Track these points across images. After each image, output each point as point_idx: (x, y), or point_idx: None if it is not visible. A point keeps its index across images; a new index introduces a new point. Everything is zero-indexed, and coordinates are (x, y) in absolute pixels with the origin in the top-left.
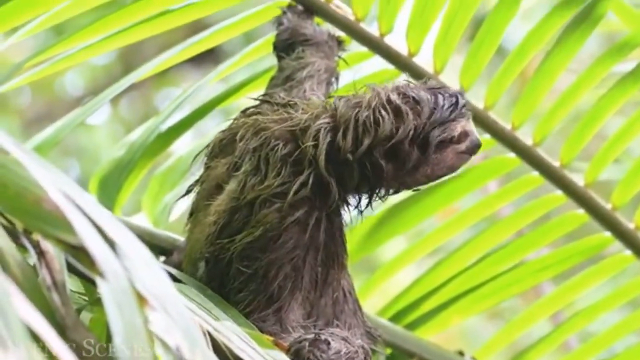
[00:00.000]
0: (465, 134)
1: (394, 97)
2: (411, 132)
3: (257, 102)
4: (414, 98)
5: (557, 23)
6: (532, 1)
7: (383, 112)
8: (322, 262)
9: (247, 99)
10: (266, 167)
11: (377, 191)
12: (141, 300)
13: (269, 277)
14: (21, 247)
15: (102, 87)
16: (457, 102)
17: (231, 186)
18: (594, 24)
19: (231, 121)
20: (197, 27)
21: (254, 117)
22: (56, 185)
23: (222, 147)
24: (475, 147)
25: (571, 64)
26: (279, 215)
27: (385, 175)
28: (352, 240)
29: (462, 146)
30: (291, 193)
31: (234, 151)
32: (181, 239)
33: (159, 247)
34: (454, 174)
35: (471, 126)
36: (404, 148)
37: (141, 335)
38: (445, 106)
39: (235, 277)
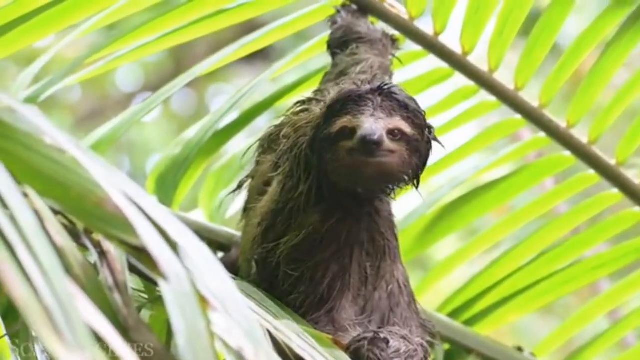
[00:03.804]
0: (351, 131)
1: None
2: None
3: (306, 99)
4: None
5: (613, 20)
6: None
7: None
8: (372, 256)
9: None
10: (298, 171)
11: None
12: (203, 301)
13: (317, 278)
14: (82, 246)
15: (153, 84)
16: (334, 100)
17: (273, 187)
18: None
19: (283, 117)
20: (247, 25)
21: (301, 114)
22: (117, 186)
23: (270, 142)
24: (361, 143)
25: (626, 60)
26: (319, 218)
27: (317, 168)
28: (407, 238)
29: (349, 144)
30: (304, 197)
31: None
32: (239, 234)
33: (217, 243)
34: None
35: (358, 122)
36: (311, 147)
37: (203, 336)
38: (328, 104)
39: (284, 279)
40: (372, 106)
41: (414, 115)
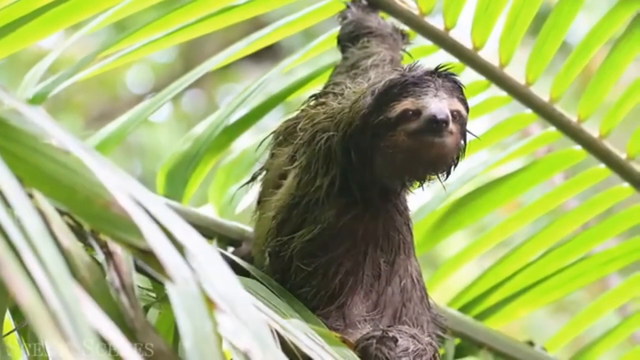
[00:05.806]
0: (415, 113)
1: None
2: (354, 123)
3: (323, 92)
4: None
5: (623, 15)
6: None
7: (359, 102)
8: (386, 252)
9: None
10: (316, 165)
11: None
12: (210, 303)
13: (329, 274)
14: (88, 246)
15: (164, 85)
16: (390, 85)
17: (289, 180)
18: None
19: (297, 111)
20: (255, 23)
21: (318, 107)
22: (123, 188)
23: (286, 135)
24: (429, 123)
25: (637, 56)
26: (335, 213)
27: (353, 163)
28: (417, 233)
29: (412, 125)
30: (323, 191)
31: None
32: (249, 229)
33: (227, 238)
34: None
35: (423, 102)
36: (355, 136)
37: (210, 339)
38: (380, 91)
39: (296, 273)
40: (434, 87)
41: (464, 97)
